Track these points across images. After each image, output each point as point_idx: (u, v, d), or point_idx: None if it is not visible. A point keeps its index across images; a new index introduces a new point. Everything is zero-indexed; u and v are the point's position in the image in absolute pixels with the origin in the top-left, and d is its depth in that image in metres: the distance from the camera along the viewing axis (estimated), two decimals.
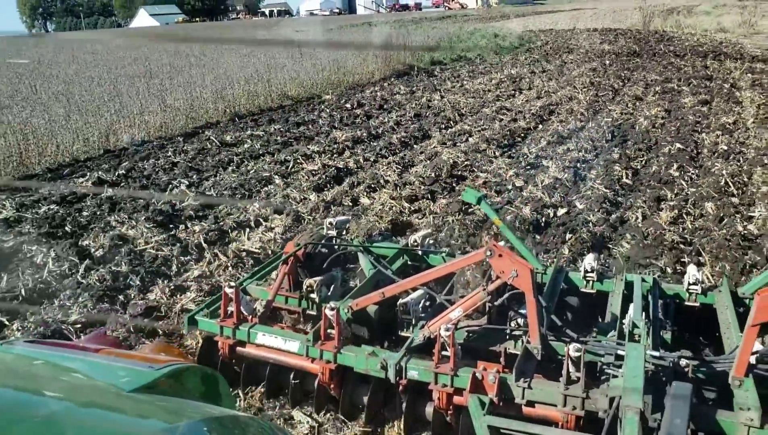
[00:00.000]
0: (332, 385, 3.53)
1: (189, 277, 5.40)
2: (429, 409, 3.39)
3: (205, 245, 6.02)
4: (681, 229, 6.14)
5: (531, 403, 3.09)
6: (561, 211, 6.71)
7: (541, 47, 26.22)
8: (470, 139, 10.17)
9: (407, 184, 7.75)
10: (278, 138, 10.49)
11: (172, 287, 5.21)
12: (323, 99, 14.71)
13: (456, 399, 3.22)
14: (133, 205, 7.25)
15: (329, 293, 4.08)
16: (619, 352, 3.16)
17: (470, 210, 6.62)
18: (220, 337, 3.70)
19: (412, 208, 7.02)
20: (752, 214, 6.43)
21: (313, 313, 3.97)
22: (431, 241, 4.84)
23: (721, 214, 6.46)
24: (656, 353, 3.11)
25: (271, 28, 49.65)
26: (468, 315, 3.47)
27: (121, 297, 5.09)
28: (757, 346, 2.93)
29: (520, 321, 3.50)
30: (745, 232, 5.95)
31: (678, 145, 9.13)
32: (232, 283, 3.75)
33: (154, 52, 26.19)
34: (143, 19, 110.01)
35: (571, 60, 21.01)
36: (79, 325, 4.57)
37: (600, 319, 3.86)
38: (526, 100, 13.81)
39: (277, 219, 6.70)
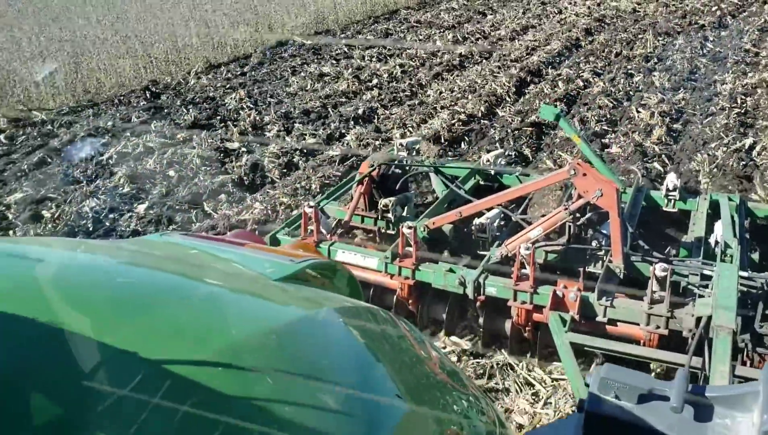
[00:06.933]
0: (410, 301, 3.64)
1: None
2: (507, 325, 3.46)
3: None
4: None
5: (613, 322, 3.10)
6: None
7: None
8: None
9: None
10: None
11: None
12: None
13: (535, 316, 3.26)
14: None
15: (403, 213, 4.13)
16: (706, 272, 3.11)
17: None
18: None
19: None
20: None
21: (391, 232, 4.04)
22: (502, 162, 4.78)
23: None
24: (745, 274, 3.04)
25: None
26: (547, 235, 3.46)
27: None
28: None
29: (602, 241, 3.47)
30: None
31: None
32: (311, 203, 3.83)
33: None
34: None
35: None
36: None
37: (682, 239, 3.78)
38: None
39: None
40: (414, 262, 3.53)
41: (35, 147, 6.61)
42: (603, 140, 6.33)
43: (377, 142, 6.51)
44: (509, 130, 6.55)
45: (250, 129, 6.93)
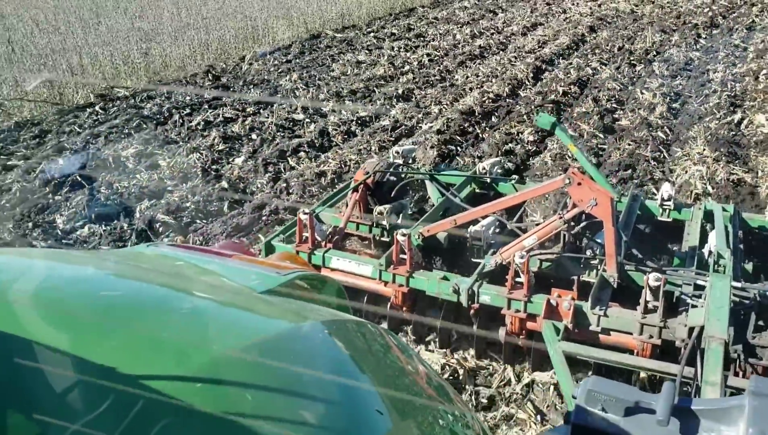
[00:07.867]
0: (404, 308, 3.63)
1: None
2: (501, 333, 3.46)
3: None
4: None
5: (606, 331, 3.10)
6: None
7: None
8: None
9: None
10: None
11: None
12: None
13: (529, 324, 3.26)
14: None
15: (398, 220, 4.12)
16: (699, 282, 3.11)
17: None
18: None
19: None
20: None
21: (386, 239, 4.03)
22: (498, 170, 4.78)
23: None
24: (738, 284, 3.04)
25: None
26: (541, 243, 3.46)
27: None
28: None
29: (596, 250, 3.47)
30: None
31: None
32: (306, 210, 3.83)
33: None
34: None
35: None
36: None
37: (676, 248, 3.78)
38: None
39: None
40: (408, 269, 3.53)
41: (132, 115, 7.67)
42: (614, 115, 7.33)
43: (419, 115, 7.60)
44: (532, 107, 7.52)
45: (309, 104, 7.98)
